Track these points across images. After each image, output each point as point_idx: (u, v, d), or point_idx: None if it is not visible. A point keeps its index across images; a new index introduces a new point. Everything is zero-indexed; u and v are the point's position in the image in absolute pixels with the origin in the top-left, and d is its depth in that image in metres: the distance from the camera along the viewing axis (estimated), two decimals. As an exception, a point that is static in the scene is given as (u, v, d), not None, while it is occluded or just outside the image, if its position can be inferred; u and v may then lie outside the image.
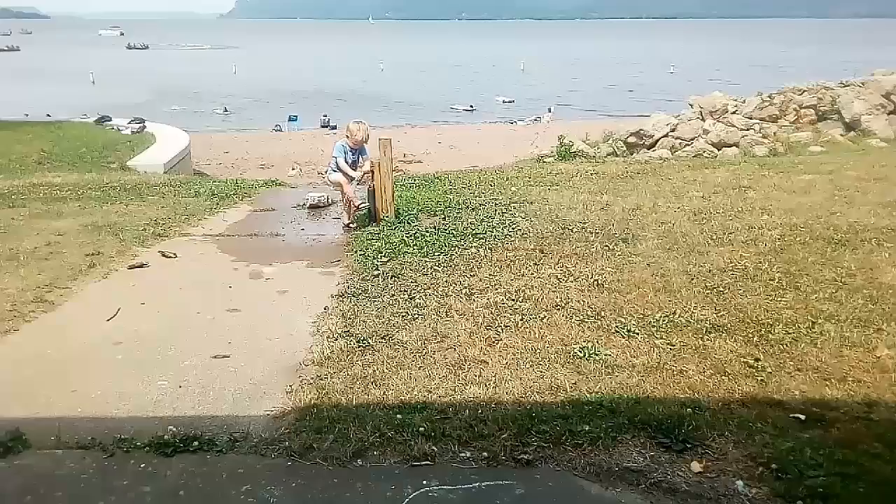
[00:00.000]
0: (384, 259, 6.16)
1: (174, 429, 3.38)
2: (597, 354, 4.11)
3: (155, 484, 3.00)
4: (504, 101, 42.54)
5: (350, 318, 4.77)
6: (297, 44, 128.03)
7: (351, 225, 7.68)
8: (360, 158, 7.74)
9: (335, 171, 7.74)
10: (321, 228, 7.79)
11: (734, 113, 15.45)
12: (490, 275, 5.60)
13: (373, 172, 7.55)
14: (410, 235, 6.86)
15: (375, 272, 5.80)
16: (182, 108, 37.94)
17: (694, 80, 47.61)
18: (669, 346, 4.20)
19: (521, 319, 4.67)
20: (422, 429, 3.32)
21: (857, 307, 4.69)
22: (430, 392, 3.72)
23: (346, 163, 7.69)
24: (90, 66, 59.40)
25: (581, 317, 4.68)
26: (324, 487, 2.97)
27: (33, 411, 3.61)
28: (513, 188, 9.35)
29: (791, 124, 14.96)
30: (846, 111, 14.55)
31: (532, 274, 5.60)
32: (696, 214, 7.37)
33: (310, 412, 3.52)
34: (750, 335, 4.33)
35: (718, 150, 14.11)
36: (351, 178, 7.70)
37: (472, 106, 39.60)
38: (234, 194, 9.76)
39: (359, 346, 4.31)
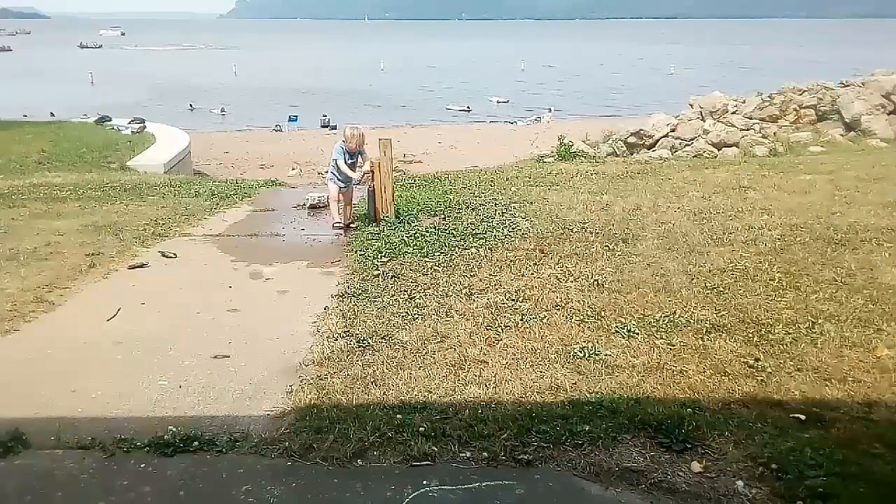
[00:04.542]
0: (384, 259, 6.16)
1: (174, 429, 3.38)
2: (597, 354, 4.11)
3: (155, 484, 3.00)
4: (499, 102, 42.49)
5: (350, 318, 4.78)
6: (297, 44, 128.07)
7: (351, 225, 7.68)
8: (360, 159, 7.76)
9: (334, 174, 7.73)
10: (321, 228, 7.78)
11: (734, 113, 15.44)
12: (490, 275, 5.61)
13: (373, 172, 7.56)
14: (410, 235, 6.86)
15: (375, 272, 5.80)
16: (182, 108, 37.94)
17: (693, 81, 47.61)
18: (669, 346, 4.20)
19: (521, 319, 4.67)
20: (422, 429, 3.32)
21: (857, 307, 4.69)
22: (430, 392, 3.72)
23: (346, 164, 7.70)
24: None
25: (581, 317, 4.68)
26: (324, 487, 2.97)
27: (33, 411, 3.61)
28: (513, 188, 9.36)
29: (791, 124, 14.95)
30: (846, 111, 14.54)
31: (532, 274, 5.61)
32: (696, 214, 7.37)
33: (310, 412, 3.52)
34: (750, 335, 4.33)
35: (718, 150, 14.10)
36: (349, 180, 7.69)
37: (468, 107, 39.56)
38: (234, 194, 9.77)
39: (359, 346, 4.31)
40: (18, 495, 2.95)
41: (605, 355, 4.10)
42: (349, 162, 7.70)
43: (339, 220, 7.67)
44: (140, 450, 3.24)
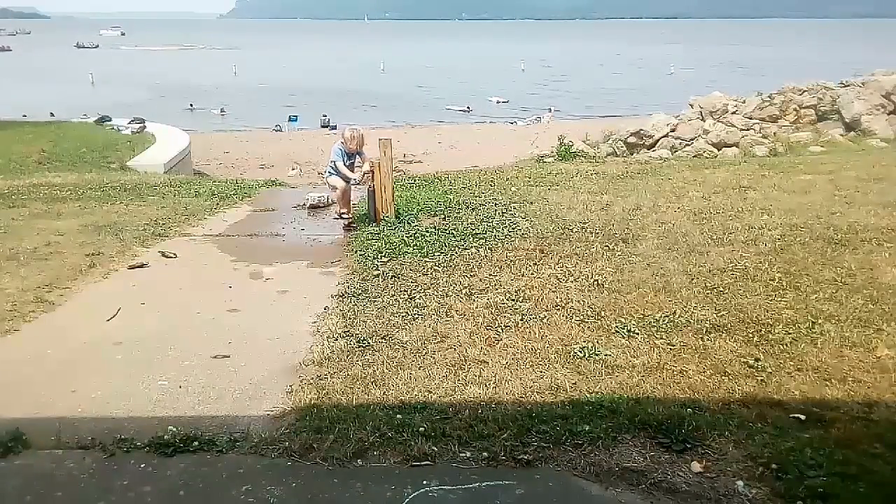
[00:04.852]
0: (384, 259, 6.16)
1: (174, 429, 3.38)
2: (597, 354, 4.11)
3: (155, 484, 3.00)
4: (498, 102, 42.48)
5: (350, 318, 4.77)
6: (297, 44, 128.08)
7: (352, 224, 7.68)
8: (358, 158, 7.76)
9: (332, 173, 7.73)
10: (321, 228, 7.78)
11: (734, 113, 15.46)
12: (490, 275, 5.60)
13: (373, 172, 7.55)
14: (410, 235, 6.86)
15: (375, 272, 5.80)
16: (182, 108, 37.96)
17: (693, 81, 47.62)
18: (669, 346, 4.20)
19: (521, 319, 4.67)
20: (422, 429, 3.32)
21: (857, 307, 4.69)
22: (430, 392, 3.72)
23: (345, 165, 7.69)
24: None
25: (581, 317, 4.68)
26: (324, 487, 2.97)
27: (33, 411, 3.61)
28: (513, 188, 9.36)
29: (791, 124, 14.97)
30: (846, 111, 14.56)
31: (532, 274, 5.60)
32: (696, 214, 7.37)
33: (310, 412, 3.52)
34: (750, 335, 4.33)
35: (718, 150, 14.12)
36: (348, 180, 7.69)
37: (468, 107, 39.55)
38: (234, 194, 9.76)
39: (359, 346, 4.31)
40: (18, 495, 2.95)
41: (605, 355, 4.10)
42: (348, 163, 7.70)
43: (345, 211, 7.65)
44: (140, 450, 3.24)
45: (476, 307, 4.91)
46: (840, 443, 3.14)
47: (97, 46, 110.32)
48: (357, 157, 7.74)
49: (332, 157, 7.75)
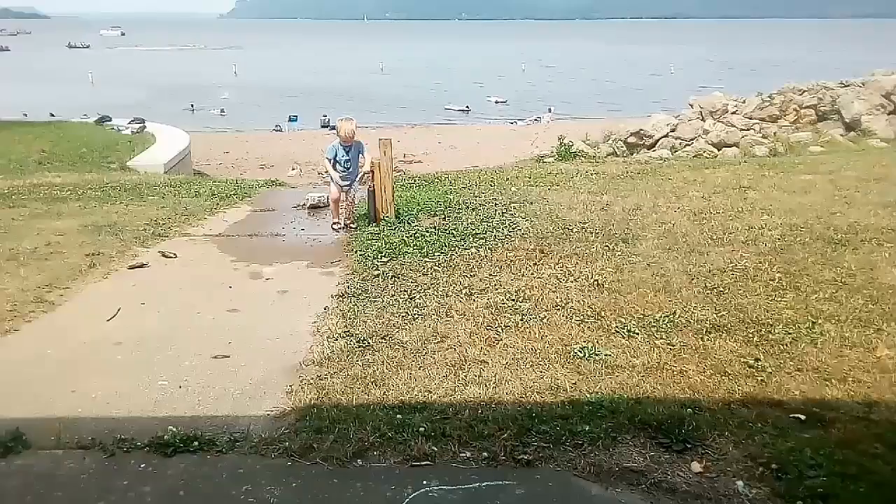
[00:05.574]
0: (384, 259, 6.16)
1: (174, 429, 3.38)
2: (597, 354, 4.11)
3: (155, 484, 3.00)
4: (497, 102, 42.53)
5: (350, 319, 4.78)
6: (297, 44, 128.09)
7: (351, 225, 7.67)
8: (360, 156, 7.65)
9: (330, 176, 7.70)
10: (321, 228, 7.78)
11: (734, 113, 15.46)
12: (490, 275, 5.60)
13: (373, 172, 7.55)
14: (410, 235, 6.86)
15: (375, 272, 5.80)
16: (182, 108, 37.97)
17: (693, 81, 47.63)
18: (669, 346, 4.20)
19: (521, 319, 4.67)
20: (422, 429, 3.32)
21: (857, 307, 4.69)
22: (430, 392, 3.72)
23: (339, 162, 7.62)
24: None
25: (581, 317, 4.68)
26: (324, 487, 2.97)
27: (33, 411, 3.61)
28: (513, 188, 9.36)
29: (791, 124, 14.97)
30: (846, 111, 14.55)
31: (532, 274, 5.60)
32: (696, 214, 7.37)
33: (310, 412, 3.52)
34: (750, 335, 4.33)
35: (718, 150, 14.12)
36: (349, 180, 7.63)
37: (467, 107, 39.59)
38: (234, 194, 9.76)
39: (359, 346, 4.31)
40: (18, 495, 2.95)
41: (605, 355, 4.10)
42: (346, 158, 7.63)
43: (338, 221, 7.65)
44: (140, 450, 3.24)
45: (476, 307, 4.91)
46: (840, 443, 3.14)
47: (88, 46, 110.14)
48: (359, 154, 7.67)
49: (326, 155, 7.73)
